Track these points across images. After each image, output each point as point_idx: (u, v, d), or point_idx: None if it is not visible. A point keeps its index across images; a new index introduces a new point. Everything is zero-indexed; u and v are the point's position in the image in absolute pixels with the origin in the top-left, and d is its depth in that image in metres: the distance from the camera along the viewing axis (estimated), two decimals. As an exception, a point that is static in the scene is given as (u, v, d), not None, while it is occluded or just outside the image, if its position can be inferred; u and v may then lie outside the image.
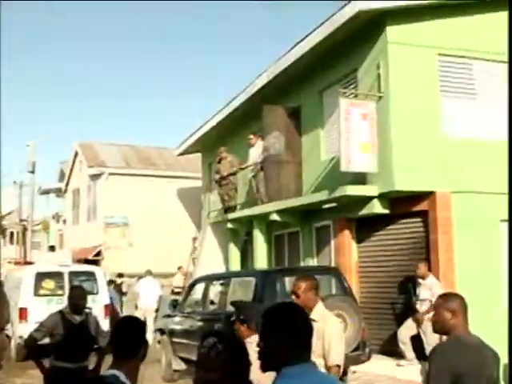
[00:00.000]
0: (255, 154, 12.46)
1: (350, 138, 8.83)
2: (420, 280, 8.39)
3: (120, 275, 17.52)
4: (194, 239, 16.63)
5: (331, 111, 10.59)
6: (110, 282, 14.74)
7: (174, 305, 9.66)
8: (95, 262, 19.46)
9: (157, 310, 13.91)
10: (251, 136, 12.72)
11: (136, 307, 14.09)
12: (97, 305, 10.90)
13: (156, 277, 15.10)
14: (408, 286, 8.63)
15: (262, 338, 2.36)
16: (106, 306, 11.73)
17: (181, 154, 19.00)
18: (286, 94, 12.05)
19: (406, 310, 8.76)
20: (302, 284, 4.14)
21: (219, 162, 13.81)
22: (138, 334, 3.01)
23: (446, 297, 3.27)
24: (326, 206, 9.91)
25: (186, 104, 56.22)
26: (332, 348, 3.97)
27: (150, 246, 20.48)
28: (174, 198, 21.50)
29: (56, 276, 11.65)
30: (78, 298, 5.38)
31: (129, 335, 2.97)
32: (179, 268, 17.03)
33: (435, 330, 3.26)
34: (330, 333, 4.02)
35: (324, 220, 10.76)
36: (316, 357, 3.44)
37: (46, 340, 5.39)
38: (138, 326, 3.06)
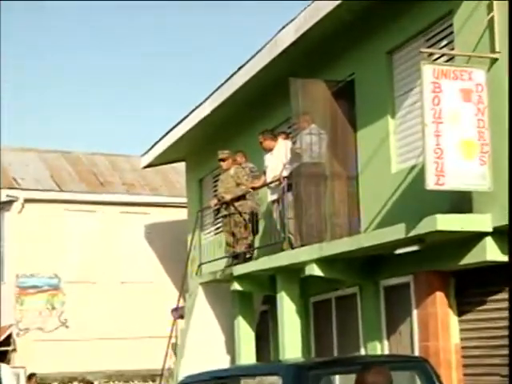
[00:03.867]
0: (275, 162, 12.48)
1: (443, 131, 8.81)
2: None
3: (32, 375, 17.42)
4: (176, 311, 16.57)
5: (408, 87, 10.55)
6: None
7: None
8: (1, 356, 19.41)
9: None
10: (265, 136, 12.71)
11: None
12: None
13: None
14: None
15: None
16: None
17: (150, 166, 19.08)
18: (330, 60, 12.05)
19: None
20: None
21: (216, 178, 13.84)
22: None
23: None
24: (402, 250, 9.84)
25: (158, 94, 56.76)
26: None
27: (99, 326, 20.49)
28: (140, 239, 21.62)
29: None
30: None
31: None
32: None
33: None
34: None
35: (399, 275, 10.70)
36: None
37: None
38: None
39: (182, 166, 18.97)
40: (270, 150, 12.71)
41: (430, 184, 8.76)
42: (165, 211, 21.74)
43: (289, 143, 12.42)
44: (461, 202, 9.22)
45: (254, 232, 13.58)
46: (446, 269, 9.90)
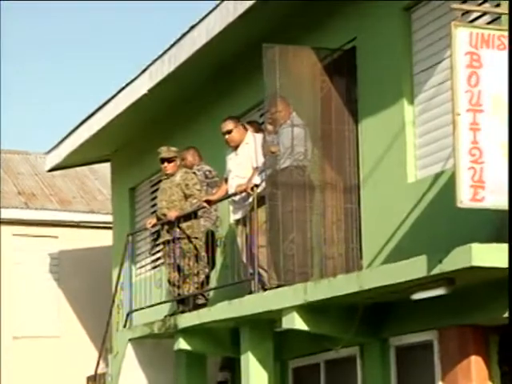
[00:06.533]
0: (242, 165, 12.56)
1: (483, 124, 8.83)
2: None
3: None
4: (94, 380, 16.54)
5: (433, 59, 10.62)
6: None
7: None
8: None
9: None
10: (229, 125, 12.70)
11: None
12: None
13: None
14: None
15: None
16: None
17: (59, 169, 19.09)
18: (321, 19, 12.12)
19: None
20: None
21: (156, 187, 13.77)
22: None
23: None
24: (422, 295, 9.84)
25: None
26: None
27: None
28: (44, 274, 21.68)
29: None
30: None
31: None
32: None
33: None
34: None
35: (417, 330, 10.73)
36: None
37: None
38: None
39: (105, 168, 18.92)
40: (237, 146, 12.66)
41: (464, 199, 8.72)
42: (80, 233, 21.72)
43: (260, 137, 12.39)
44: (506, 225, 9.22)
45: (210, 266, 13.56)
46: (484, 323, 9.88)
